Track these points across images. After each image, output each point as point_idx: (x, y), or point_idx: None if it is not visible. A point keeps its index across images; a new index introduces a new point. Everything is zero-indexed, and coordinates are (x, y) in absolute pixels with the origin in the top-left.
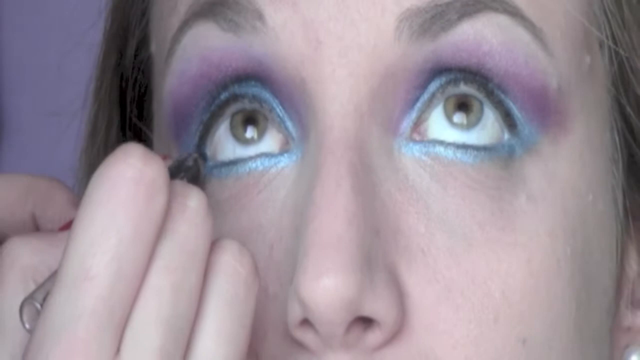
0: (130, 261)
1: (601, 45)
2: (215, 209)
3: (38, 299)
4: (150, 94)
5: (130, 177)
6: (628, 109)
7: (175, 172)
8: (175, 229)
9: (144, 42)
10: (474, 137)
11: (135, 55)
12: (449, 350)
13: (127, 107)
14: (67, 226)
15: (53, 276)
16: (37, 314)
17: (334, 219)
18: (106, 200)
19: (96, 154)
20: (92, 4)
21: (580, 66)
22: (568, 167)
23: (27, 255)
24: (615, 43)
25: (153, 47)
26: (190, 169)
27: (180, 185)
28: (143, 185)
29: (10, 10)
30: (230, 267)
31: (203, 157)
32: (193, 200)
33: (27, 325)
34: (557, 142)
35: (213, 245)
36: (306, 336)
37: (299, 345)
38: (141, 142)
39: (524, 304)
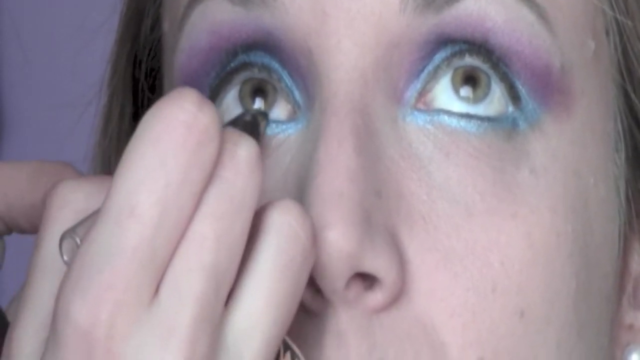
0: (176, 205)
1: (607, 33)
2: None
3: (79, 234)
4: (162, 77)
5: (183, 121)
6: (633, 97)
7: (232, 125)
8: (223, 176)
9: (156, 24)
10: (480, 109)
11: (148, 38)
12: (446, 317)
13: (139, 95)
14: None
15: (96, 214)
16: (77, 248)
17: (335, 176)
18: (157, 141)
19: (108, 144)
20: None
21: (583, 50)
22: (570, 147)
23: (80, 198)
24: (619, 30)
25: (165, 27)
26: (247, 125)
27: (232, 132)
28: (196, 131)
29: (12, 5)
30: (292, 229)
31: (264, 115)
32: (243, 148)
33: (65, 258)
34: (560, 122)
35: (275, 204)
36: (306, 294)
37: (301, 306)
38: None
39: (523, 276)
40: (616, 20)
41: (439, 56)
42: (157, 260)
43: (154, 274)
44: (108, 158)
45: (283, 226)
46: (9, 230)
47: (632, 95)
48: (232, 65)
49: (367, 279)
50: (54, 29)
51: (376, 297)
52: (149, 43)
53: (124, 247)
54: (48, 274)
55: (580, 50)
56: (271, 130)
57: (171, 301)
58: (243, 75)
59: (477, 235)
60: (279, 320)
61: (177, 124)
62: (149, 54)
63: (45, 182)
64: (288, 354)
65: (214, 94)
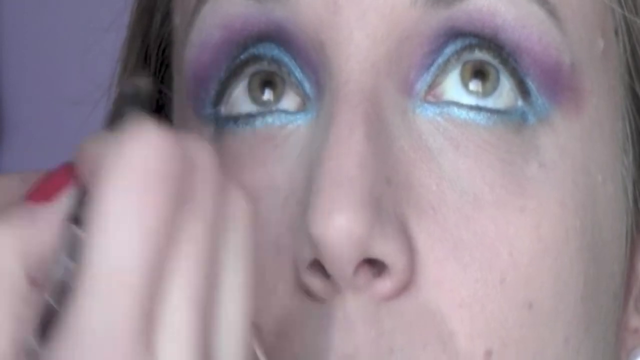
0: (157, 251)
1: (616, 33)
2: (232, 162)
3: (31, 341)
4: (172, 71)
5: (153, 169)
6: None
7: (120, 109)
8: (195, 204)
9: (167, 17)
10: (489, 103)
11: (159, 31)
12: (455, 308)
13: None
14: (36, 194)
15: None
16: (34, 353)
17: (346, 161)
18: (130, 192)
19: None
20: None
21: (592, 48)
22: (579, 144)
23: (12, 255)
24: (628, 30)
25: (176, 20)
26: (132, 99)
27: (190, 144)
28: (169, 177)
29: (12, 6)
30: (244, 213)
31: (144, 80)
32: (202, 158)
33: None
34: (570, 119)
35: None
36: (315, 281)
37: (308, 295)
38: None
39: (532, 268)
40: (625, 19)
41: (449, 50)
42: (149, 311)
43: (148, 329)
44: None
45: (235, 215)
46: None
47: None
48: (242, 58)
49: (375, 266)
50: (57, 29)
51: (385, 284)
52: (159, 37)
53: (118, 319)
54: None
55: (589, 49)
56: (279, 119)
57: (168, 352)
58: (252, 68)
59: (486, 227)
60: (249, 306)
61: (148, 173)
62: (159, 48)
63: None
64: None
65: (223, 88)
